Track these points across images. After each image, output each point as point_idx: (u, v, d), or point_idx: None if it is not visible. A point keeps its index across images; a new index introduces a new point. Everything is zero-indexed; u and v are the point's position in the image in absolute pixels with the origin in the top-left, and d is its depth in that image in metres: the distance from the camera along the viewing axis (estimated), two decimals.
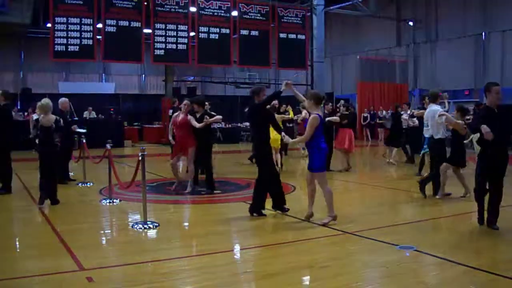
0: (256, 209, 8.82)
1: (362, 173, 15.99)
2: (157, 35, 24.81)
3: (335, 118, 14.69)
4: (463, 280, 5.65)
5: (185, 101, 11.46)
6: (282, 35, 28.06)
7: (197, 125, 10.94)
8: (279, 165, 14.68)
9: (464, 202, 10.03)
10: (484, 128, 7.09)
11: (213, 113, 12.99)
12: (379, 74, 31.30)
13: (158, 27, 24.79)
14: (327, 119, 13.70)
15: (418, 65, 32.83)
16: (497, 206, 7.64)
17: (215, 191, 11.25)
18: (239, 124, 29.43)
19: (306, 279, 5.83)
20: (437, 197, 10.43)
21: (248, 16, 26.90)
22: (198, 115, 11.23)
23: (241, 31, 26.78)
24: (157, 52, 24.90)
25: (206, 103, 13.26)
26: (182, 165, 13.52)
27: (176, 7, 25.03)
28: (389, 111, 25.86)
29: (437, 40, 31.54)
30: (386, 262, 6.21)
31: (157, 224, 8.06)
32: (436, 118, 10.19)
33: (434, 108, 10.53)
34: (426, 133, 11.11)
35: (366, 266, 6.14)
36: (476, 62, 29.16)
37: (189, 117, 11.11)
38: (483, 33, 28.84)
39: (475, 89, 28.33)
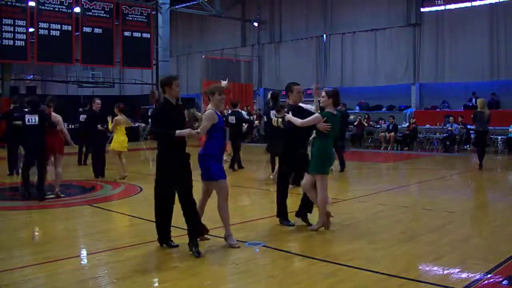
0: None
1: None
2: None
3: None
4: (311, 271, 5.87)
5: None
6: (127, 33, 27.52)
7: None
8: None
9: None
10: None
11: None
12: (225, 73, 31.55)
13: None
14: None
15: (262, 65, 33.71)
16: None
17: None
18: None
19: (156, 281, 5.73)
20: None
21: (91, 13, 26.02)
22: None
23: (84, 28, 25.88)
24: None
25: None
26: None
27: (13, 1, 23.59)
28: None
29: (281, 41, 32.56)
30: (235, 259, 6.27)
31: None
32: None
33: None
34: None
35: (216, 265, 6.15)
36: (318, 62, 30.50)
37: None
38: (324, 35, 30.25)
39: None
